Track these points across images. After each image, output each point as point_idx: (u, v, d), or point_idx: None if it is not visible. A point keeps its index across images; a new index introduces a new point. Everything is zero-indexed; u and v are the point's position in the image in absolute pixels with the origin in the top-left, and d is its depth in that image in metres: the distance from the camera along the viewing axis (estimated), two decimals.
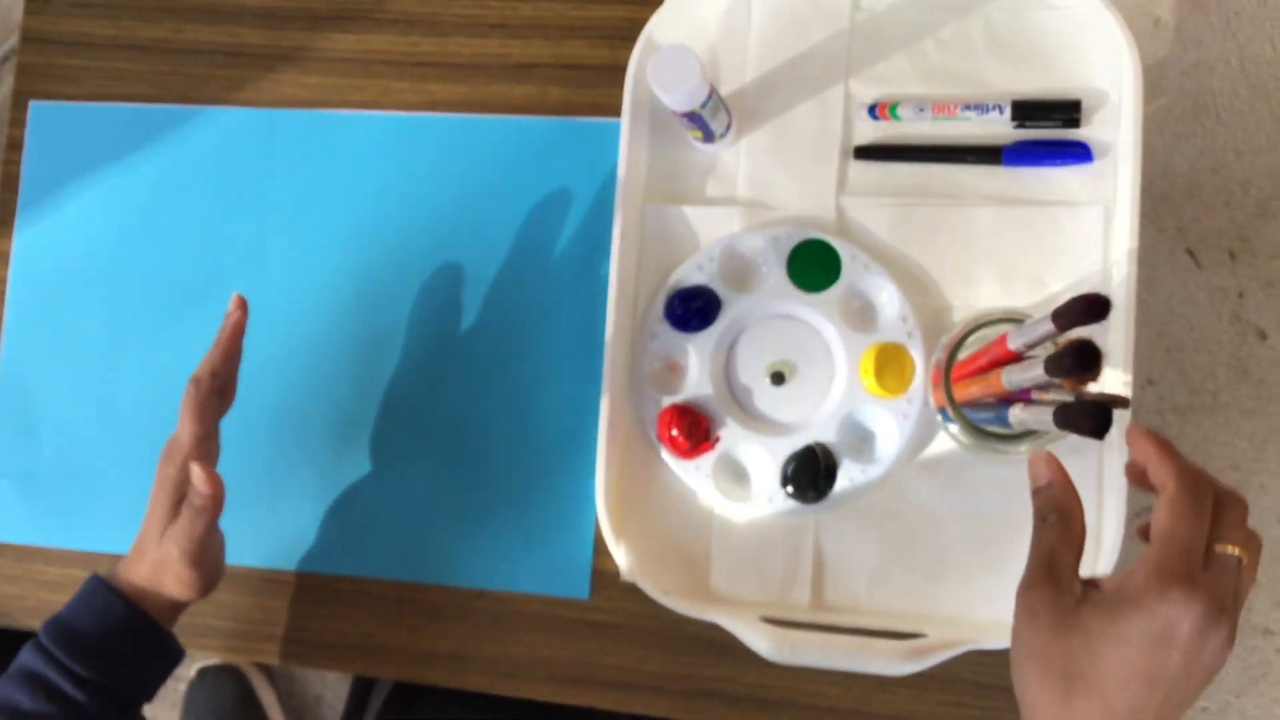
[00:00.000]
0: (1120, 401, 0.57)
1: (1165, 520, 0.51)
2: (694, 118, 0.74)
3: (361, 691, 0.97)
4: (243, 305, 0.75)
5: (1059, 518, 0.54)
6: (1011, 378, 0.63)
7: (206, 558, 0.74)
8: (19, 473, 0.88)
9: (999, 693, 0.75)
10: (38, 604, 0.87)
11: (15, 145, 0.91)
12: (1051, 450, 0.58)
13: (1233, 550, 0.51)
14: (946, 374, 0.68)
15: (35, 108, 0.91)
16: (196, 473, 0.71)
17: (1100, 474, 0.73)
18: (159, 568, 0.73)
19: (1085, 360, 0.57)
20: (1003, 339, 0.65)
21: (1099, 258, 0.74)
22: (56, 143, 0.91)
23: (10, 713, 0.70)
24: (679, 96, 0.71)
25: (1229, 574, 0.51)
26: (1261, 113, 1.30)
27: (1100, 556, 0.71)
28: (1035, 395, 0.63)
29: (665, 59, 0.70)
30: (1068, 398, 0.60)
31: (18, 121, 0.91)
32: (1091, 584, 0.52)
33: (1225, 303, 1.29)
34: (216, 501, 0.72)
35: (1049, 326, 0.60)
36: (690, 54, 0.69)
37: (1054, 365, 0.58)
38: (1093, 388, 0.61)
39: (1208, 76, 1.30)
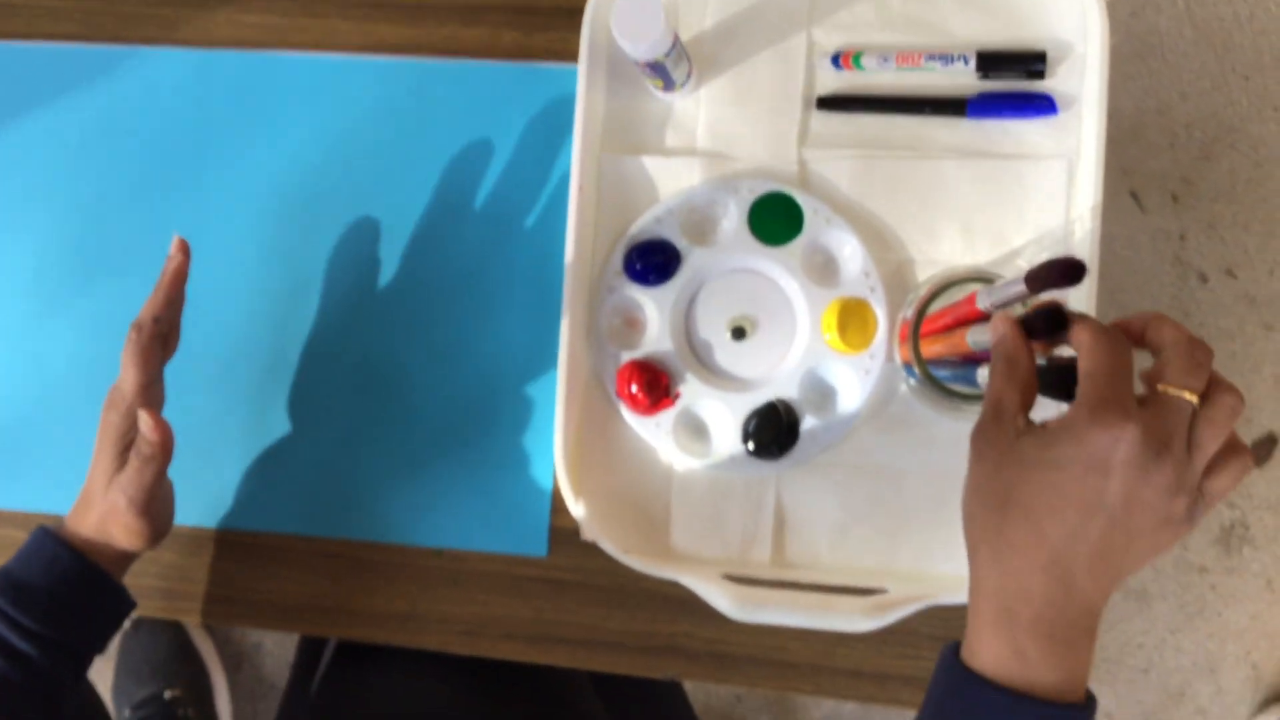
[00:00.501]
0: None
1: (1085, 361, 0.51)
2: (656, 67, 0.72)
3: (312, 649, 0.95)
4: (184, 249, 0.72)
5: (1005, 363, 0.54)
6: (977, 338, 0.62)
7: (155, 507, 0.72)
8: None
9: None
10: None
11: None
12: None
13: (1179, 393, 0.50)
14: (915, 332, 0.67)
15: None
16: (145, 419, 0.69)
17: None
18: (106, 518, 0.71)
19: (1055, 324, 0.57)
20: (971, 298, 0.64)
21: (1062, 212, 0.74)
22: None
23: None
24: (643, 46, 0.68)
25: (1174, 413, 0.49)
26: (1206, 54, 1.31)
27: None
28: None
29: (629, 6, 0.67)
30: (1039, 360, 0.59)
31: None
32: (1039, 426, 0.52)
33: (1168, 245, 1.30)
34: (165, 448, 0.70)
35: (1020, 288, 0.59)
36: (655, 2, 0.67)
37: (1024, 328, 0.57)
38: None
39: (1154, 16, 1.30)
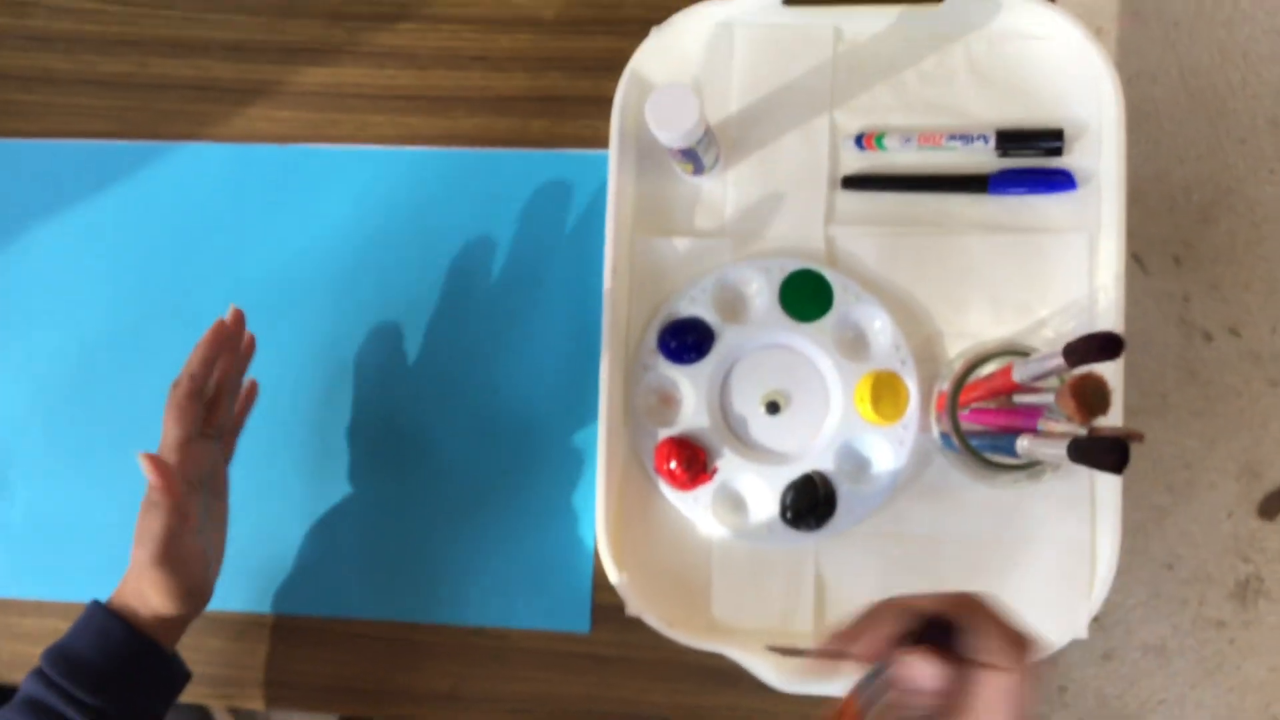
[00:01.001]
0: (1135, 436, 0.58)
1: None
2: (688, 153, 0.74)
3: None
4: (238, 319, 0.75)
5: None
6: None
7: (179, 559, 0.71)
8: None
9: None
10: (12, 656, 0.85)
11: None
12: (1043, 479, 0.66)
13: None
14: (953, 404, 0.69)
15: None
16: (143, 462, 0.70)
17: (1093, 496, 0.75)
18: (137, 577, 0.71)
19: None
20: (1007, 370, 0.66)
21: (1085, 283, 0.76)
22: (14, 181, 0.88)
23: None
24: (677, 134, 0.71)
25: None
26: (1201, 121, 1.34)
27: (1097, 573, 0.74)
28: (1043, 428, 0.65)
29: (664, 98, 0.70)
30: (1079, 431, 0.61)
31: None
32: None
33: (1172, 306, 1.33)
34: (169, 491, 0.70)
35: (1058, 362, 0.61)
36: (689, 93, 0.70)
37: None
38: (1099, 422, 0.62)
39: (1149, 85, 1.34)
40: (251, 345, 0.79)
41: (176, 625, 0.74)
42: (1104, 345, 0.58)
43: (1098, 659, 1.38)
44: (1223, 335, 1.33)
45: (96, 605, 0.72)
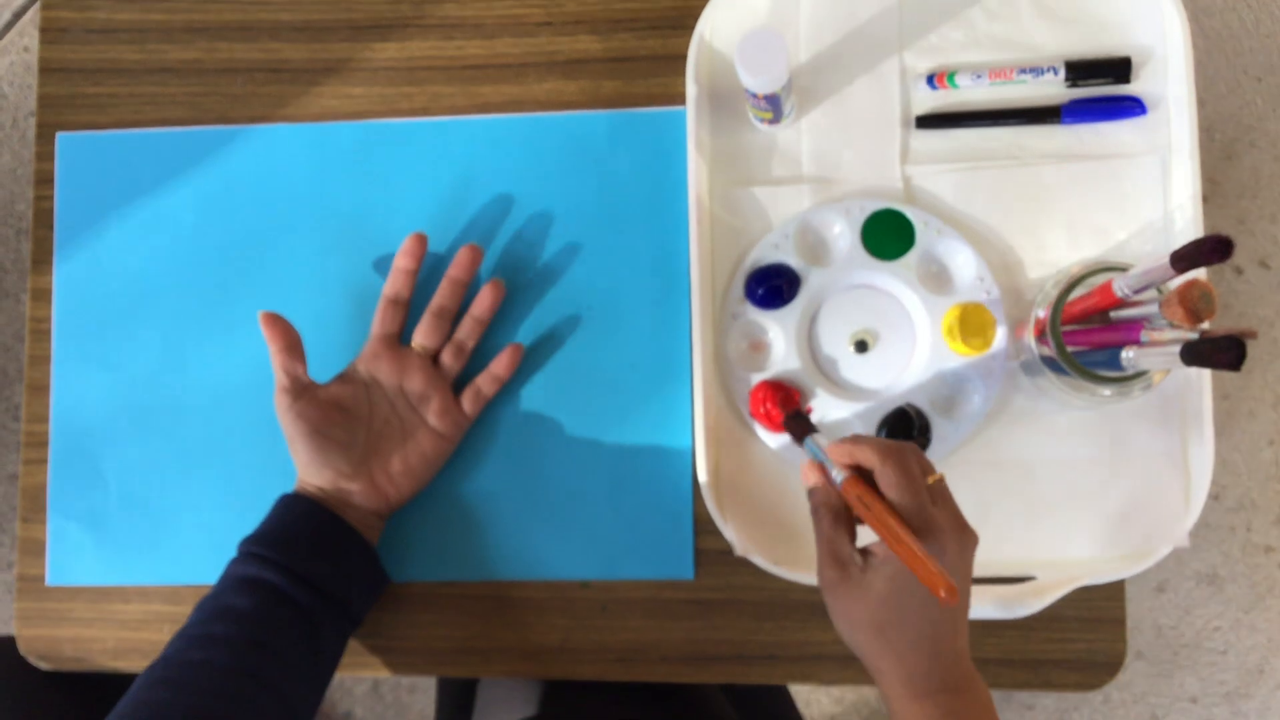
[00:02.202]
0: (1250, 333, 0.60)
1: (894, 495, 0.63)
2: (771, 99, 0.76)
3: (459, 696, 0.97)
4: (418, 239, 0.82)
5: (827, 510, 0.65)
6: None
7: (320, 441, 0.77)
8: (86, 514, 0.86)
9: (1103, 625, 0.79)
10: (118, 644, 0.86)
11: (46, 180, 0.89)
12: (1133, 395, 0.71)
13: (934, 478, 0.64)
14: (1054, 324, 0.71)
15: (63, 139, 0.89)
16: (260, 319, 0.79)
17: (1182, 409, 0.77)
18: (295, 455, 0.79)
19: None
20: (1106, 286, 0.69)
21: (1160, 204, 0.79)
22: (90, 174, 0.88)
23: (233, 615, 0.72)
24: (765, 80, 0.72)
25: (946, 495, 0.65)
26: (1219, 61, 1.37)
27: (1192, 482, 0.76)
28: (1149, 337, 0.67)
29: (753, 44, 0.72)
30: (1190, 335, 0.63)
31: (45, 156, 0.89)
32: (867, 551, 0.64)
33: None
34: (280, 334, 0.78)
35: (1165, 269, 0.63)
36: (778, 39, 0.71)
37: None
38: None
39: None
40: (466, 267, 0.82)
41: (364, 512, 0.80)
42: (1215, 248, 0.60)
43: (1152, 591, 1.41)
44: (1252, 268, 1.36)
45: (289, 495, 0.79)
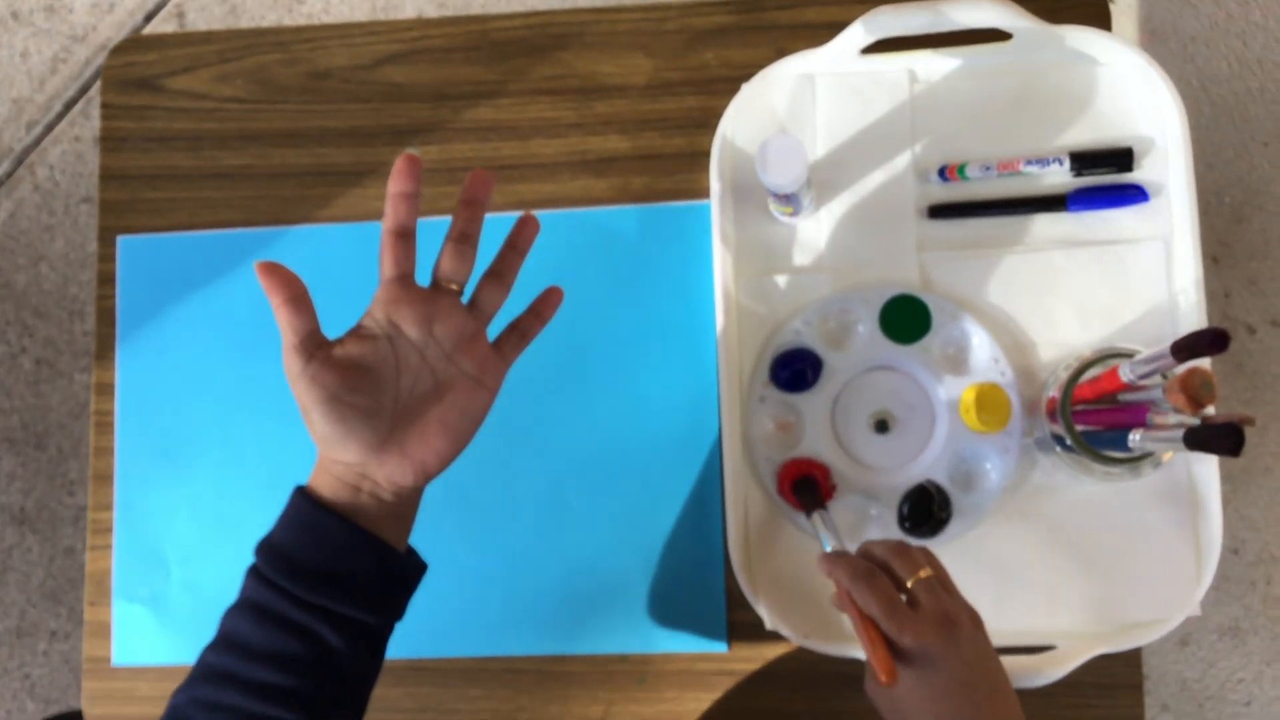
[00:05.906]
0: (1248, 420, 0.64)
1: (869, 611, 0.66)
2: (790, 197, 0.80)
3: None
4: (411, 161, 0.67)
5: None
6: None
7: (343, 382, 0.65)
8: (150, 597, 0.91)
9: (1121, 691, 0.82)
10: None
11: (108, 279, 0.94)
12: (1143, 473, 0.76)
13: (922, 574, 0.67)
14: (1065, 406, 0.75)
15: (124, 242, 0.94)
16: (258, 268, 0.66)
17: (1190, 483, 0.81)
18: (311, 429, 0.67)
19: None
20: (1113, 372, 0.72)
21: (1164, 286, 0.82)
22: (150, 273, 0.94)
23: (240, 649, 0.65)
24: (786, 180, 0.77)
25: (932, 590, 0.66)
26: (1226, 127, 1.41)
27: (1204, 553, 0.80)
28: (1153, 421, 0.71)
29: (773, 149, 0.76)
30: (1190, 421, 0.67)
31: (107, 257, 0.94)
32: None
33: (1214, 303, 1.39)
34: (282, 284, 0.66)
35: (1166, 358, 0.67)
36: (797, 143, 0.76)
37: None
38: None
39: None
40: (485, 186, 0.70)
41: (381, 499, 0.68)
42: (1213, 340, 0.64)
43: (1175, 645, 1.44)
44: (1265, 327, 1.39)
45: (297, 492, 0.69)
